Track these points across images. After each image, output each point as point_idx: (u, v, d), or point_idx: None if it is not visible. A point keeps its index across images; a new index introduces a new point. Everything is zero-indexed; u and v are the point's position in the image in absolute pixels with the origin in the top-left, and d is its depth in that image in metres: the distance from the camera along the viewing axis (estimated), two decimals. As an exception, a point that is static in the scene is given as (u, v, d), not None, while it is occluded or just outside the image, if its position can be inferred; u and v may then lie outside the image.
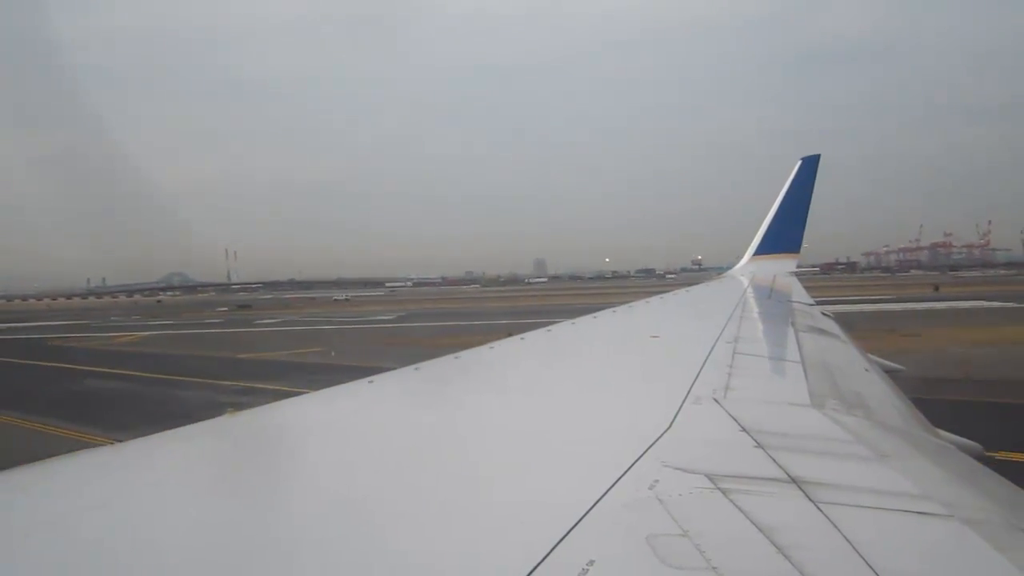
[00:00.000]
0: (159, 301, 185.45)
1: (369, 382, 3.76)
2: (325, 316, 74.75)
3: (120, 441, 2.70)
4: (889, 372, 5.80)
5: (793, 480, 2.08)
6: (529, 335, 6.16)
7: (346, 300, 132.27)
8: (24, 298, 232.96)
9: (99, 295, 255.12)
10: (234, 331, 58.37)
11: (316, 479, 2.21)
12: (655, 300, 11.12)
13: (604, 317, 8.46)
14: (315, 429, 2.94)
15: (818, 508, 1.85)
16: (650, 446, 2.39)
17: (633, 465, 2.16)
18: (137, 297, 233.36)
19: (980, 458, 3.34)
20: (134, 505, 1.94)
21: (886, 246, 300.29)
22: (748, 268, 17.40)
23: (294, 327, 60.67)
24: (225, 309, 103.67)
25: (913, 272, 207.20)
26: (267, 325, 64.73)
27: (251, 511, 1.89)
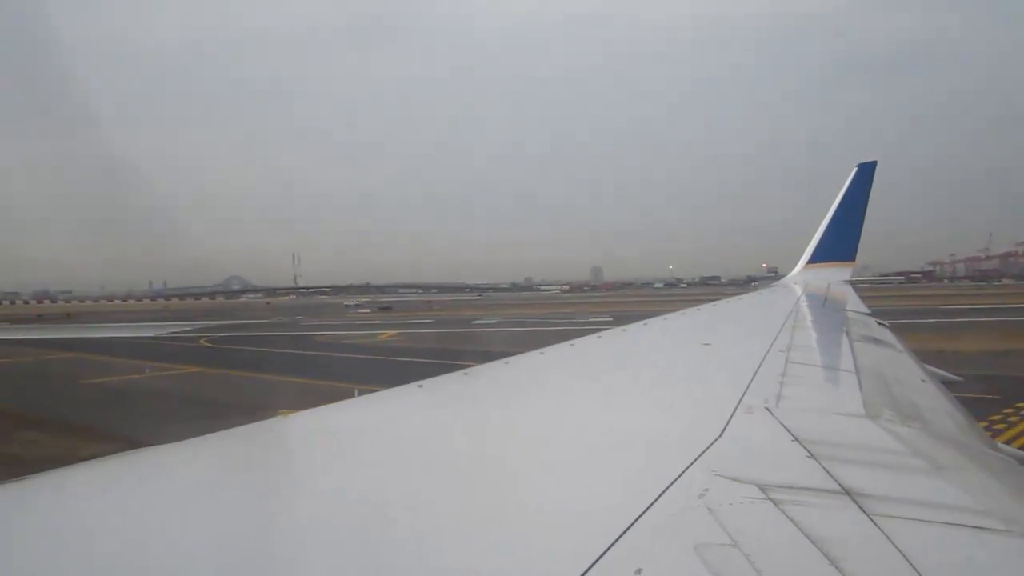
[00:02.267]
0: (268, 303, 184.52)
1: (419, 386, 3.80)
2: (517, 319, 69.96)
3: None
4: (946, 383, 5.67)
5: (846, 491, 2.06)
6: (580, 341, 6.17)
7: (479, 298, 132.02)
8: (96, 299, 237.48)
9: (170, 297, 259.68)
10: (482, 331, 54.98)
11: (359, 490, 2.22)
12: (707, 307, 11.04)
13: (655, 324, 8.42)
14: (357, 436, 2.94)
15: (872, 520, 1.83)
16: (700, 454, 2.38)
17: (683, 473, 2.16)
18: (220, 299, 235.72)
19: None
20: (157, 514, 1.96)
21: (952, 255, 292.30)
22: (802, 276, 17.14)
23: (518, 328, 57.08)
24: (367, 311, 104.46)
25: (1006, 281, 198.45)
26: (491, 326, 60.42)
27: (263, 524, 1.91)
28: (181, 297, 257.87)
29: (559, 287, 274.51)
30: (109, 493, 2.15)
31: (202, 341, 52.99)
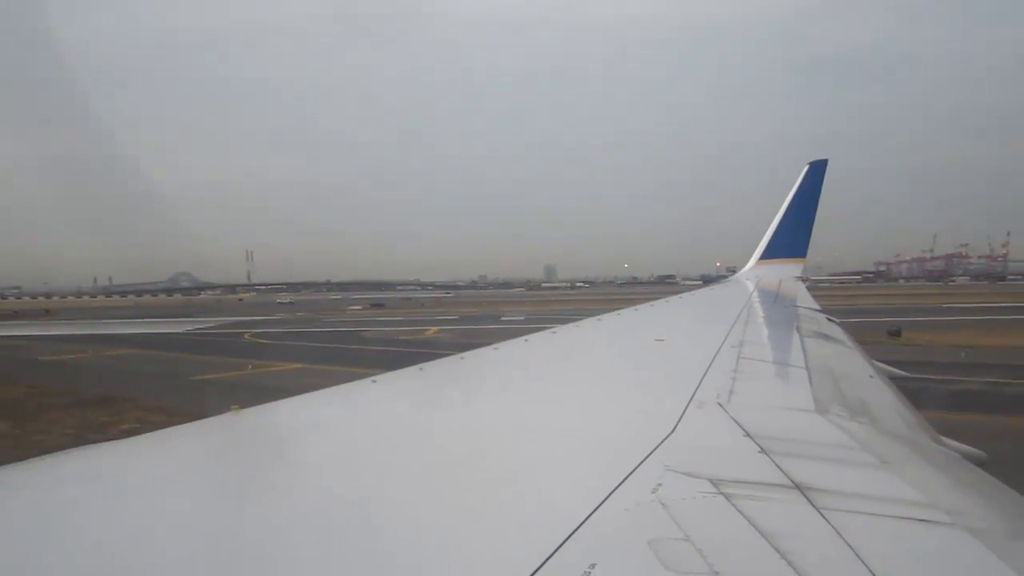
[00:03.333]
0: (240, 299, 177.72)
1: (373, 381, 3.76)
2: (537, 315, 64.75)
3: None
4: (894, 378, 5.78)
5: (796, 486, 2.08)
6: (534, 336, 6.16)
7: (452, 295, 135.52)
8: (47, 296, 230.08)
9: (125, 294, 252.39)
10: (519, 326, 50.60)
11: (315, 478, 2.21)
12: (660, 303, 11.12)
13: (609, 320, 8.45)
14: (318, 428, 2.93)
15: (821, 514, 1.85)
16: (653, 450, 2.39)
17: (636, 469, 2.16)
18: (177, 296, 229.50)
19: (983, 465, 3.33)
20: (139, 502, 1.93)
21: (897, 255, 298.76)
22: (754, 272, 17.37)
23: (550, 322, 55.28)
24: (359, 307, 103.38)
25: (961, 280, 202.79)
26: (521, 323, 56.73)
27: (251, 510, 1.89)
28: (137, 294, 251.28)
29: (570, 283, 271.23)
30: (98, 481, 2.12)
31: (247, 336, 52.18)
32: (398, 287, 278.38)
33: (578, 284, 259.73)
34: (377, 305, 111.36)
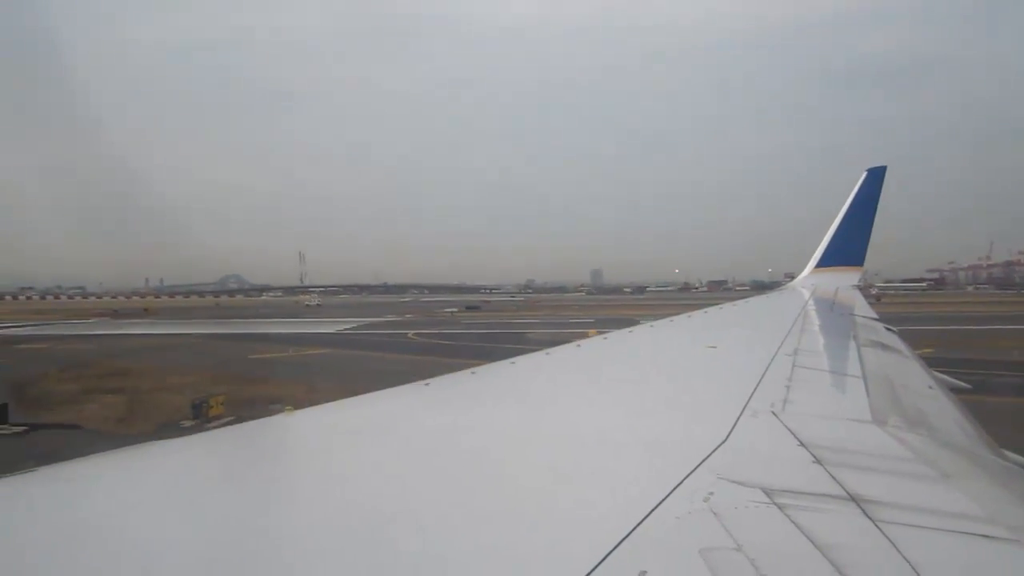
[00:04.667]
0: (319, 304, 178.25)
1: (426, 384, 3.80)
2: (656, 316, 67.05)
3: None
4: (954, 390, 5.65)
5: (852, 497, 2.05)
6: (586, 343, 6.16)
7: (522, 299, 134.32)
8: (113, 296, 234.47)
9: (174, 295, 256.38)
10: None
11: (359, 485, 2.24)
12: (713, 310, 11.01)
13: (661, 326, 8.41)
14: (362, 432, 2.96)
15: (877, 527, 1.82)
16: (705, 458, 2.38)
17: (688, 477, 2.15)
18: (239, 297, 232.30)
19: None
20: (155, 512, 1.96)
21: (951, 262, 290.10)
22: (810, 280, 17.08)
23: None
24: (455, 310, 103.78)
25: None
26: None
27: (268, 518, 1.91)
28: (188, 295, 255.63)
29: (666, 286, 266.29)
30: (111, 488, 2.15)
31: (411, 335, 53.61)
32: (459, 290, 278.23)
33: (630, 289, 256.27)
34: (473, 308, 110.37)
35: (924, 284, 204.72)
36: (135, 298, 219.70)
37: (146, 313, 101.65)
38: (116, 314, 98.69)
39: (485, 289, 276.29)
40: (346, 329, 62.68)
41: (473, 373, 4.24)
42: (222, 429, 2.83)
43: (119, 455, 2.48)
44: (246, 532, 1.80)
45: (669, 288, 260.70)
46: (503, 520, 1.87)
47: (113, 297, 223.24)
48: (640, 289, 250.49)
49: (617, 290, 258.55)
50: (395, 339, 51.57)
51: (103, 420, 24.11)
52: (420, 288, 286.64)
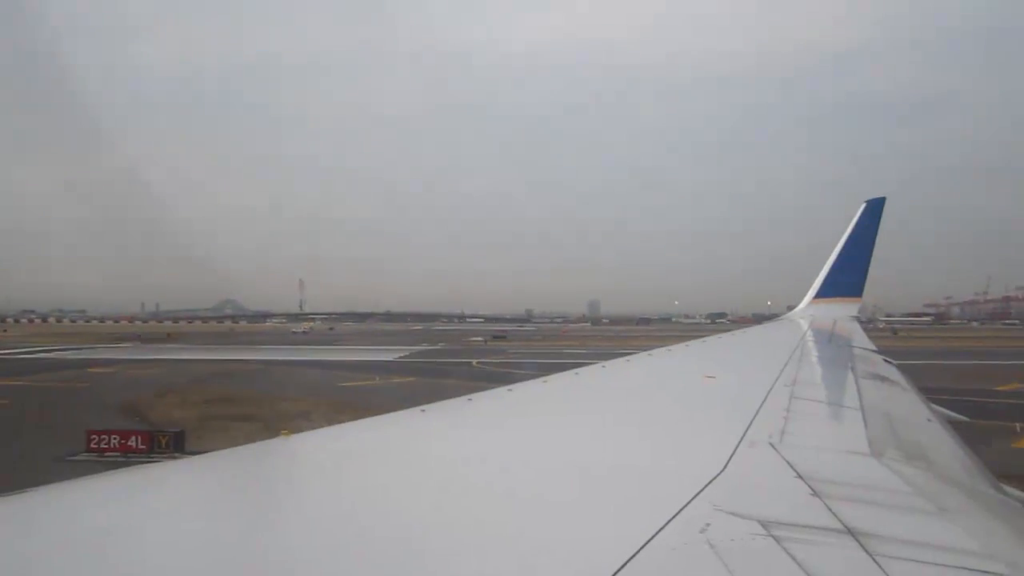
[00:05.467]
0: (331, 328, 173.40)
1: (422, 411, 3.79)
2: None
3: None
4: (953, 423, 5.63)
5: (849, 531, 2.03)
6: (584, 370, 6.15)
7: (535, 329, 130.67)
8: (116, 319, 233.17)
9: (177, 319, 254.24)
10: None
11: (354, 506, 2.24)
12: (712, 340, 11.01)
13: (659, 355, 8.40)
14: (361, 455, 2.97)
15: (875, 561, 1.81)
16: (702, 489, 2.36)
17: (684, 507, 2.14)
18: (242, 323, 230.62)
19: None
20: (155, 532, 1.96)
21: (948, 297, 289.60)
22: (808, 311, 17.10)
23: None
24: (480, 339, 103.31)
25: None
26: None
27: (271, 546, 1.91)
28: (189, 320, 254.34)
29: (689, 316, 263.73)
30: (122, 506, 2.15)
31: (475, 364, 53.63)
32: (463, 319, 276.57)
33: (642, 319, 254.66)
34: (500, 337, 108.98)
35: (928, 318, 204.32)
36: (138, 322, 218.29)
37: (169, 339, 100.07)
38: (141, 339, 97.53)
39: (482, 318, 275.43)
40: (401, 357, 62.89)
41: (470, 400, 4.23)
42: (218, 452, 2.83)
43: (110, 478, 2.48)
44: (236, 558, 1.79)
45: (674, 319, 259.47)
46: (495, 550, 1.86)
47: (116, 321, 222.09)
48: (645, 320, 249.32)
49: (624, 321, 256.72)
50: (464, 368, 51.26)
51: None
52: (420, 316, 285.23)
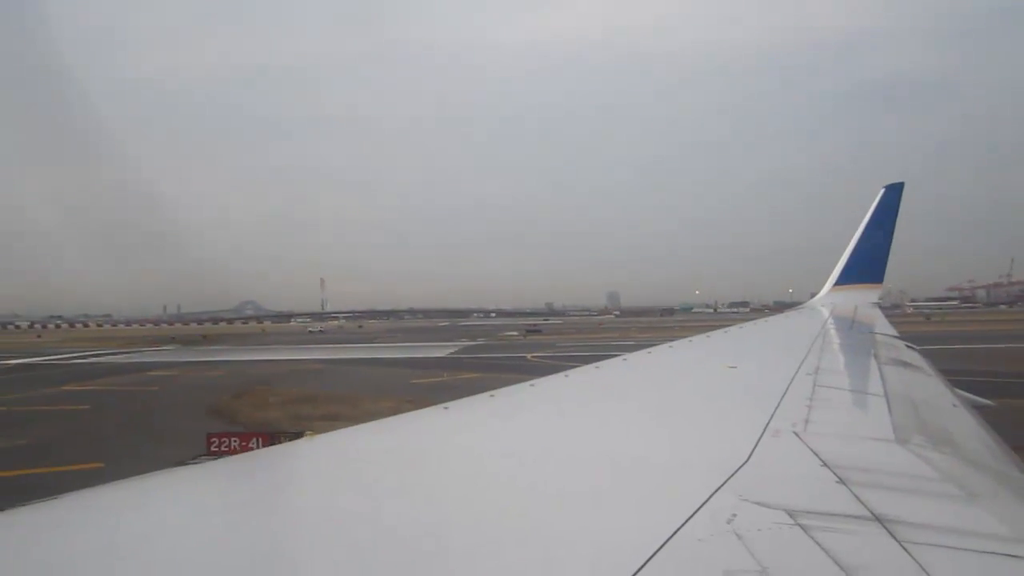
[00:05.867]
0: (360, 326, 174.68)
1: (445, 408, 3.81)
2: None
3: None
4: (978, 408, 5.57)
5: (877, 518, 2.03)
6: (604, 363, 6.14)
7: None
8: (128, 323, 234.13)
9: (202, 321, 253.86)
10: None
11: (384, 504, 2.25)
12: (733, 330, 10.95)
13: (680, 346, 8.37)
14: (379, 456, 2.98)
15: (903, 548, 1.80)
16: (727, 479, 2.36)
17: (710, 498, 2.14)
18: (267, 323, 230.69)
19: None
20: (171, 538, 1.98)
21: (971, 280, 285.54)
22: (829, 298, 16.96)
23: None
24: (516, 333, 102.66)
25: None
26: None
27: (294, 546, 1.92)
28: (214, 321, 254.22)
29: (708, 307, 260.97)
30: (123, 518, 2.15)
31: (530, 358, 53.54)
32: (489, 314, 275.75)
33: (660, 311, 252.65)
34: (534, 331, 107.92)
35: (956, 302, 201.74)
36: (163, 325, 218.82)
37: (205, 340, 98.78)
38: (177, 341, 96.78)
39: (504, 313, 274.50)
40: (452, 353, 62.48)
41: (492, 396, 4.24)
42: (239, 456, 2.85)
43: (125, 485, 2.49)
44: (260, 562, 1.81)
45: (696, 310, 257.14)
46: (523, 545, 1.86)
47: (141, 324, 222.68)
48: (669, 311, 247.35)
49: (648, 312, 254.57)
50: (521, 362, 50.93)
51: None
52: (445, 313, 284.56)
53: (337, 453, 3.02)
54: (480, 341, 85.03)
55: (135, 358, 65.90)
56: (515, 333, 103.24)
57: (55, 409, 32.09)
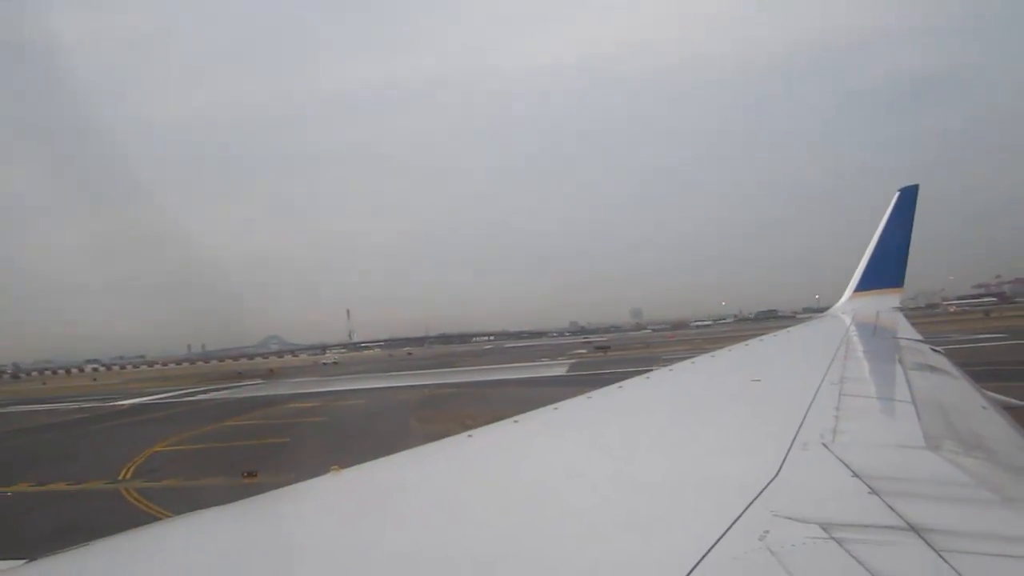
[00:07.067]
0: (409, 353, 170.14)
1: (469, 436, 3.80)
2: None
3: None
4: (1009, 409, 5.50)
5: (912, 528, 2.00)
6: (628, 382, 6.12)
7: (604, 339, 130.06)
8: (178, 362, 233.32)
9: (223, 359, 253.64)
10: None
11: (418, 536, 2.24)
12: (754, 343, 10.89)
13: (702, 362, 8.33)
14: (406, 486, 2.97)
15: (941, 557, 1.78)
16: (758, 495, 2.34)
17: (742, 515, 2.12)
18: (303, 356, 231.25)
19: None
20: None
21: (998, 276, 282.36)
22: (849, 305, 16.85)
23: None
24: (585, 351, 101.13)
25: None
26: None
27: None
28: (250, 357, 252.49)
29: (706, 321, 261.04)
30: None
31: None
32: (528, 336, 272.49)
33: (697, 323, 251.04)
34: (603, 347, 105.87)
35: (993, 299, 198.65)
36: (200, 363, 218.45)
37: (273, 374, 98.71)
38: (241, 376, 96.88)
39: (531, 334, 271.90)
40: (568, 372, 61.33)
41: (516, 422, 4.23)
42: (272, 492, 2.83)
43: (162, 527, 2.49)
44: None
45: (726, 320, 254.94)
46: (560, 568, 1.86)
47: (178, 364, 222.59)
48: (701, 324, 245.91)
49: (680, 325, 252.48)
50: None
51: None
52: (472, 336, 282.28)
53: (367, 486, 3.01)
54: (575, 360, 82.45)
55: (236, 394, 63.15)
56: (583, 351, 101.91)
57: (264, 443, 30.15)
